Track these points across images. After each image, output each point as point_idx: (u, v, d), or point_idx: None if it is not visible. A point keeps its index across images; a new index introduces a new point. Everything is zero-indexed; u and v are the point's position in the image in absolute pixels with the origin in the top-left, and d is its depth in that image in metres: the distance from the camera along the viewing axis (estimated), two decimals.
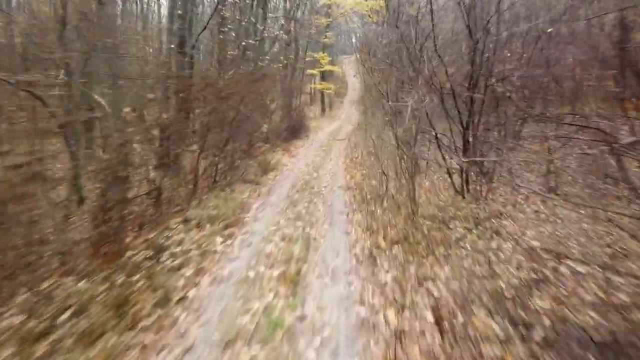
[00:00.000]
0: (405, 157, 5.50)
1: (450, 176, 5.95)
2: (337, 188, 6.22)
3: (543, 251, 3.93)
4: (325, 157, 9.41)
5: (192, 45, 10.54)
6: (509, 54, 5.96)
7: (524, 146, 8.01)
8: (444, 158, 6.10)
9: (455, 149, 5.96)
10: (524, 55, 6.58)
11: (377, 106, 6.49)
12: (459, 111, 5.81)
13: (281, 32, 10.25)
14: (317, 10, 19.60)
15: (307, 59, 19.63)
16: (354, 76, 20.95)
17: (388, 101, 6.36)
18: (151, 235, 3.97)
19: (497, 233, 4.43)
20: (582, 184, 6.27)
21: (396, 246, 3.81)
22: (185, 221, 4.31)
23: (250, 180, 6.41)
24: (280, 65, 11.26)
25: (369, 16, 14.79)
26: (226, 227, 4.26)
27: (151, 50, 7.99)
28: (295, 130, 12.91)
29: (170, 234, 3.96)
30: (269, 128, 9.84)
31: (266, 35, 8.60)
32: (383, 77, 6.51)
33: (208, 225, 4.24)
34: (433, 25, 4.37)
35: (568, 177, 6.56)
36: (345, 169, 7.75)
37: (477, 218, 4.93)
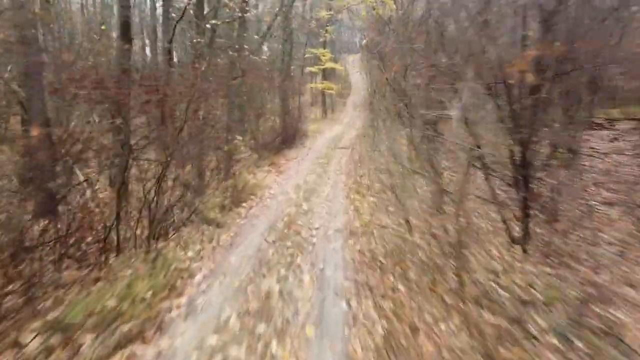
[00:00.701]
0: (445, 196, 3.50)
1: (504, 221, 3.96)
2: (335, 232, 4.24)
3: None
4: (322, 175, 7.41)
5: (169, 39, 8.65)
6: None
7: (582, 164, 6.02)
8: (492, 189, 4.14)
9: (515, 178, 3.98)
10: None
11: (391, 113, 4.55)
12: (515, 120, 3.85)
13: (251, 10, 8.21)
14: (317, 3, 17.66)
15: (306, 55, 17.64)
16: (357, 72, 18.90)
17: (407, 108, 4.37)
18: None
19: (618, 343, 2.44)
20: None
21: None
22: (53, 328, 2.36)
23: (209, 219, 4.44)
24: (265, 57, 9.28)
25: (373, 8, 13.00)
26: (124, 342, 2.30)
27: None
28: (289, 137, 10.91)
29: None
30: (249, 139, 7.88)
31: (239, 14, 6.64)
32: (399, 70, 4.52)
33: (89, 340, 2.29)
34: None
35: None
36: (347, 195, 5.76)
37: (565, 302, 2.95)
